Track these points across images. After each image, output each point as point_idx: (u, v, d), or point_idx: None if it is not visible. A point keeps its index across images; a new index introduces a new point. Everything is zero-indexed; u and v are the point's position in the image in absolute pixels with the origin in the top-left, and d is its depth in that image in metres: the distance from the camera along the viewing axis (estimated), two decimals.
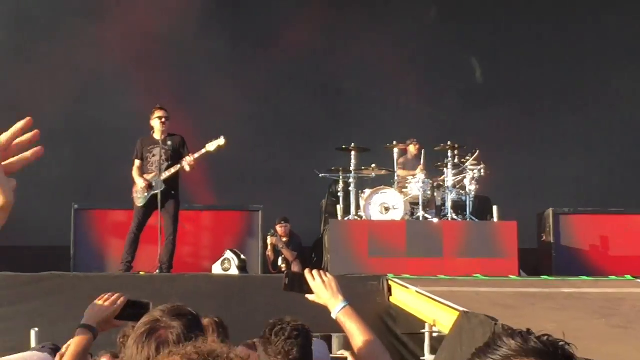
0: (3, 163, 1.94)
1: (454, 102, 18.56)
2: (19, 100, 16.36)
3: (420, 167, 13.85)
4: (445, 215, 13.51)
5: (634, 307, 8.98)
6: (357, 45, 18.72)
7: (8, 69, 16.93)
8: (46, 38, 17.47)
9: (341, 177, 14.14)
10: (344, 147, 14.16)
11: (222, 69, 17.40)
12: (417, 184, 13.51)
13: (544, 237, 14.38)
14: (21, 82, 17.14)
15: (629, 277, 11.83)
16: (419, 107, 17.96)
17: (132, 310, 3.73)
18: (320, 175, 14.64)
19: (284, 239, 14.62)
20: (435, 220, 13.34)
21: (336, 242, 13.10)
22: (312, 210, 15.98)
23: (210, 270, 12.71)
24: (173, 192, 11.45)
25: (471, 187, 13.65)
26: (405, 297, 9.94)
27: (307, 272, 3.95)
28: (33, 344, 7.08)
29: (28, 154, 2.10)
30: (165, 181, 11.36)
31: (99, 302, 3.72)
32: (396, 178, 13.82)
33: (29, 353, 5.64)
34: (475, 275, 11.97)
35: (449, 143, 13.85)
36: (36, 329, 7.81)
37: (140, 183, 11.45)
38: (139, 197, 11.58)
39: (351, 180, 13.92)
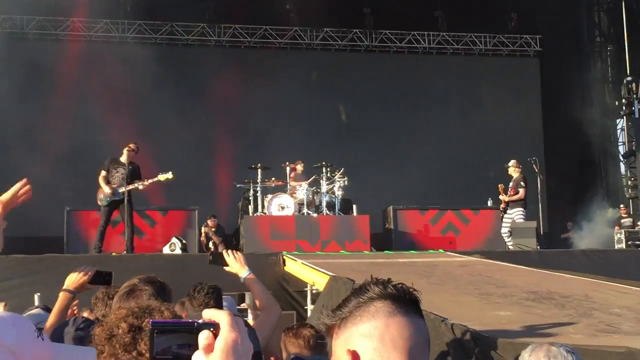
0: None
1: (328, 135, 18.76)
2: (35, 133, 16.51)
3: (306, 181, 13.96)
4: (321, 212, 13.55)
5: (444, 270, 8.90)
6: (262, 95, 18.76)
7: (24, 109, 16.64)
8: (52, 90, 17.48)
9: (252, 187, 14.09)
10: (253, 166, 14.11)
11: (170, 112, 17.23)
12: (303, 190, 13.54)
13: (387, 225, 14.49)
14: (32, 121, 16.99)
15: (441, 250, 11.89)
16: (304, 138, 17.88)
17: (100, 278, 3.64)
18: (238, 185, 14.63)
19: (213, 229, 14.64)
20: (315, 215, 13.38)
21: (248, 230, 13.02)
22: (232, 209, 15.96)
23: (162, 251, 12.59)
24: (129, 199, 11.30)
25: (339, 193, 13.65)
26: (295, 266, 9.82)
27: (224, 251, 4.02)
28: (36, 303, 6.97)
29: (19, 200, 2.12)
30: (124, 192, 11.20)
31: (75, 272, 3.62)
32: (288, 187, 13.83)
33: (34, 310, 5.58)
34: (341, 251, 12.02)
35: (323, 163, 13.87)
36: (38, 294, 7.66)
37: (107, 190, 11.19)
38: (103, 199, 11.28)
39: (258, 188, 13.90)
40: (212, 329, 1.18)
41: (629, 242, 13.84)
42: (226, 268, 3.95)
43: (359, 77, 19.69)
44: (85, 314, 4.77)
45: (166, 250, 12.57)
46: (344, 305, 1.39)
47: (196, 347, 1.17)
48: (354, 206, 14.30)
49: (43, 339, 1.60)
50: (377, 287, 1.38)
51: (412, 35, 20.32)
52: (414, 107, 19.57)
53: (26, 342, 1.55)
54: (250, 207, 14.07)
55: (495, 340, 4.22)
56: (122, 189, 11.20)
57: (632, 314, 5.30)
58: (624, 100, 18.41)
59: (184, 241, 12.84)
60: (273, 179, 14.05)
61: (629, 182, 18.39)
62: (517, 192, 13.32)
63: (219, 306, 3.89)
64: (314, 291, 8.87)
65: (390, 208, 14.38)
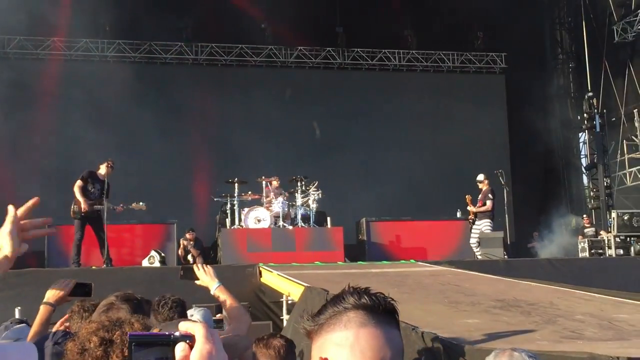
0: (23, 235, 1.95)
1: (302, 149, 18.76)
2: (25, 149, 16.38)
3: (283, 194, 13.94)
4: (296, 224, 13.55)
5: (415, 280, 8.85)
6: (238, 112, 18.81)
7: (7, 126, 16.47)
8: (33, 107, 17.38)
9: (229, 200, 14.06)
10: (230, 180, 14.07)
11: (149, 128, 17.12)
12: (278, 204, 13.53)
13: (360, 237, 14.55)
14: (21, 136, 16.91)
15: (412, 261, 11.89)
16: (279, 154, 17.90)
17: (80, 289, 3.54)
18: (215, 199, 14.59)
19: (192, 242, 14.54)
20: (290, 227, 13.35)
21: (226, 243, 13.00)
22: (210, 223, 15.88)
23: (141, 264, 12.45)
24: (101, 215, 11.18)
25: (313, 205, 13.69)
26: (271, 277, 9.77)
27: (194, 266, 3.89)
28: (17, 317, 6.83)
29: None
30: (100, 210, 11.14)
31: (54, 286, 3.54)
32: (264, 200, 13.83)
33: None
34: (315, 262, 11.95)
35: (299, 176, 13.92)
36: (19, 307, 7.54)
37: (84, 205, 10.99)
38: (77, 213, 11.11)
39: (235, 202, 13.88)
40: (188, 341, 1.19)
41: (592, 251, 14.00)
42: (197, 282, 3.87)
43: (333, 94, 19.79)
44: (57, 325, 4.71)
45: (145, 263, 12.45)
46: (321, 312, 1.38)
47: (173, 359, 1.18)
48: (328, 218, 14.31)
49: None
50: (352, 297, 1.36)
51: (383, 53, 20.54)
52: (385, 122, 19.69)
53: None
54: (228, 220, 14.01)
55: (463, 347, 4.25)
56: (98, 207, 11.10)
57: (595, 320, 5.36)
58: (585, 115, 18.70)
59: (162, 254, 12.73)
60: (250, 192, 14.01)
61: (592, 193, 18.64)
62: (485, 204, 13.49)
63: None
64: (289, 301, 8.81)
65: (363, 220, 14.46)
